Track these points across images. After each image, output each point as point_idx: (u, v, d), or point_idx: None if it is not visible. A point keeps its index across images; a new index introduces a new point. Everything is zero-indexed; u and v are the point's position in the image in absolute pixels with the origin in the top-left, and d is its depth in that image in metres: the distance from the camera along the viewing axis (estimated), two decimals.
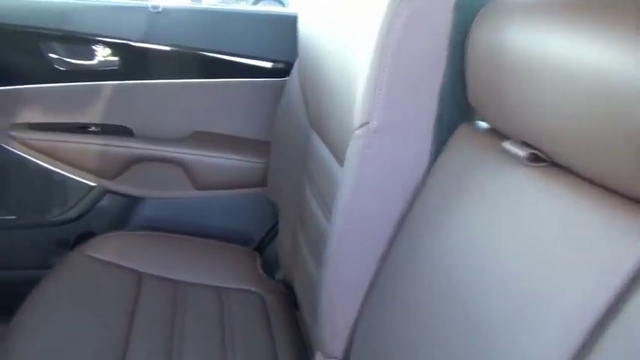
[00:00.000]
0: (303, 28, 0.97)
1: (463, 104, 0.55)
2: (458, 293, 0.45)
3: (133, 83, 1.14)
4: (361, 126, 0.55)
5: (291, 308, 1.03)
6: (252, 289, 1.06)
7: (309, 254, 0.84)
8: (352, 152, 0.57)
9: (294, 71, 1.05)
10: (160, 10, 1.09)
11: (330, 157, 0.77)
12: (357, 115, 0.57)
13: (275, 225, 1.27)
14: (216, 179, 1.22)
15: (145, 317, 0.89)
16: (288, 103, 1.06)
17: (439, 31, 0.51)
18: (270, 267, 1.18)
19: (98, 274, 0.97)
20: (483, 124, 0.54)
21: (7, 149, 1.11)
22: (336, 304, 0.62)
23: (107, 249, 1.04)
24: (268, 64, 1.20)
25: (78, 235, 1.25)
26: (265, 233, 1.29)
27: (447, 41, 0.52)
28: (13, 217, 1.16)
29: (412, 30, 0.51)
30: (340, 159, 0.69)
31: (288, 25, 1.15)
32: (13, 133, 1.10)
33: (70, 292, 0.91)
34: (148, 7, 1.09)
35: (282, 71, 1.18)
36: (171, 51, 1.13)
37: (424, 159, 0.56)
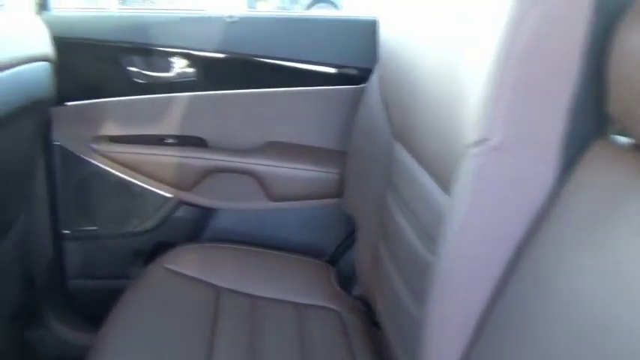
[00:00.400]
0: (386, 33, 0.92)
1: (597, 117, 0.48)
2: (597, 337, 0.38)
3: (207, 94, 1.13)
4: (477, 143, 0.49)
5: (370, 328, 0.98)
6: (330, 305, 1.02)
7: (398, 276, 0.79)
8: (465, 173, 0.51)
9: (374, 78, 1.00)
10: (236, 19, 1.07)
11: (422, 174, 0.71)
12: (470, 131, 0.51)
13: (348, 237, 1.23)
14: (289, 190, 1.19)
15: (226, 333, 0.87)
16: (367, 112, 1.01)
17: (574, 35, 0.45)
18: (344, 281, 1.14)
19: (178, 288, 0.97)
20: (624, 140, 0.47)
21: (88, 162, 1.13)
22: (442, 341, 0.56)
23: (185, 262, 1.04)
24: (344, 71, 1.16)
25: (153, 245, 1.27)
26: (338, 246, 1.25)
27: (582, 46, 0.45)
28: (95, 227, 1.19)
29: (544, 35, 0.44)
30: (439, 177, 0.63)
31: (365, 30, 1.10)
32: (94, 146, 1.12)
33: (153, 305, 0.91)
34: (224, 17, 1.07)
35: (359, 78, 1.14)
36: (246, 60, 1.11)
37: (550, 179, 0.49)
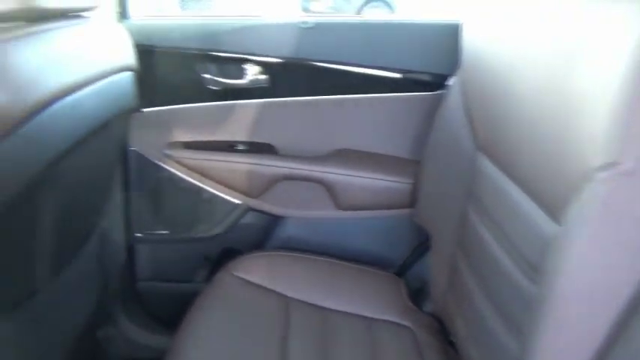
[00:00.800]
0: (470, 38, 0.87)
1: None
2: None
3: (278, 101, 1.12)
4: (603, 167, 0.44)
5: (446, 347, 0.93)
6: (402, 321, 0.98)
7: (484, 299, 0.74)
8: (586, 201, 0.45)
9: (455, 85, 0.95)
10: (310, 25, 1.05)
11: (521, 196, 0.65)
12: (593, 153, 0.45)
13: (417, 249, 1.18)
14: (359, 199, 1.16)
15: (298, 346, 0.85)
16: (446, 120, 0.96)
17: None
18: (413, 295, 1.09)
19: (248, 297, 0.96)
20: None
21: (162, 167, 1.14)
22: None
23: (253, 270, 1.03)
24: (418, 77, 1.11)
25: (220, 251, 1.27)
26: (406, 257, 1.20)
27: None
28: (166, 232, 1.20)
29: None
30: (545, 203, 0.57)
31: (443, 34, 1.05)
32: (168, 152, 1.14)
33: (225, 314, 0.91)
34: (298, 23, 1.06)
35: (433, 84, 1.09)
36: (320, 67, 1.09)
37: None
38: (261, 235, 1.25)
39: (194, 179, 1.16)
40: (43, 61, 0.60)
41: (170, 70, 1.12)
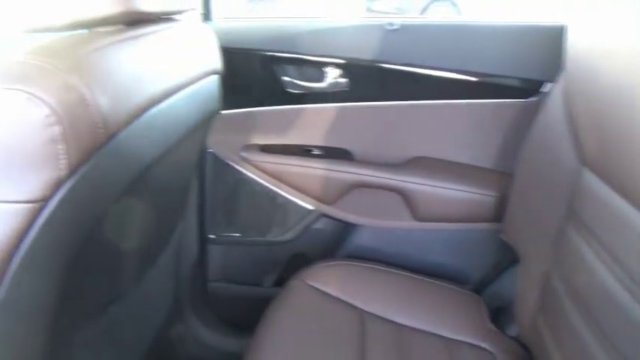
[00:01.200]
0: (576, 41, 0.79)
1: None
2: None
3: (357, 105, 1.09)
4: None
5: None
6: (483, 345, 0.91)
7: (592, 335, 0.67)
8: None
9: (555, 93, 0.87)
10: (396, 27, 1.01)
11: (635, 216, 0.58)
12: None
13: (499, 266, 1.11)
14: (437, 211, 1.10)
15: None
16: (544, 131, 0.89)
17: None
18: (492, 315, 1.02)
19: (322, 308, 0.93)
20: None
21: (237, 169, 1.14)
22: None
23: (327, 280, 1.00)
24: (508, 82, 1.04)
25: (291, 256, 1.26)
26: (486, 274, 1.13)
27: None
28: (239, 234, 1.20)
29: None
30: None
31: (540, 37, 0.98)
32: (244, 155, 1.13)
33: (299, 324, 0.89)
34: (383, 25, 1.02)
35: (526, 91, 1.02)
36: (403, 71, 1.04)
37: None
38: (333, 242, 1.22)
39: (268, 183, 1.14)
40: (143, 66, 0.60)
41: (249, 72, 1.12)
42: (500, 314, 1.04)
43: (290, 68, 1.08)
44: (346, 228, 1.19)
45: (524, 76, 1.03)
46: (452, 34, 1.04)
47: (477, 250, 1.13)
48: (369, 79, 1.06)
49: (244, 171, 1.14)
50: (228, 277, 1.27)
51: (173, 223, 1.00)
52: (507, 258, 1.06)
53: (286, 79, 1.08)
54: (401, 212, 1.13)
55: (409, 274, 1.06)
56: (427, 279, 1.06)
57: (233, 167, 1.14)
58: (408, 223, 1.13)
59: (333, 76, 1.06)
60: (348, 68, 1.05)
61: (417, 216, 1.11)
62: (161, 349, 1.17)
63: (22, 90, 0.46)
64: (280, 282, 1.27)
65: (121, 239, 0.68)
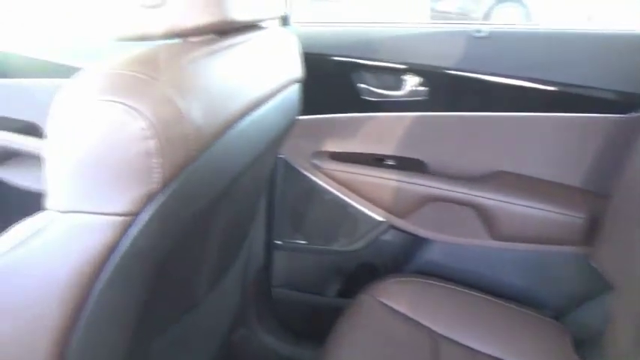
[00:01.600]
0: None
1: None
2: None
3: (435, 115, 1.04)
4: None
5: None
6: None
7: None
8: None
9: None
10: (484, 34, 0.95)
11: None
12: None
13: (586, 293, 1.03)
14: (517, 230, 1.03)
15: None
16: None
17: None
18: (576, 346, 0.94)
19: (395, 327, 0.90)
20: None
21: (307, 176, 1.12)
22: None
23: (397, 296, 0.96)
24: (604, 96, 0.96)
25: (356, 266, 1.23)
26: (570, 301, 1.05)
27: None
28: (305, 242, 1.18)
29: None
30: None
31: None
32: (315, 162, 1.11)
33: (370, 342, 0.86)
34: (470, 32, 0.96)
35: (624, 105, 0.93)
36: (486, 80, 0.98)
37: None
38: (401, 255, 1.17)
39: (338, 191, 1.12)
40: (234, 77, 0.59)
41: (324, 78, 1.09)
42: (584, 346, 0.96)
43: (367, 75, 1.05)
44: (416, 242, 1.14)
45: (620, 88, 0.94)
46: (542, 42, 0.97)
47: (560, 274, 1.05)
48: (450, 88, 1.01)
49: (314, 178, 1.12)
50: (292, 284, 1.25)
51: (246, 230, 1.00)
52: (595, 285, 0.98)
53: (362, 86, 1.05)
54: (476, 229, 1.07)
55: (484, 296, 1.01)
56: (503, 302, 1.00)
57: (303, 174, 1.12)
58: (483, 241, 1.07)
59: (412, 84, 1.02)
60: (429, 76, 1.01)
61: (494, 234, 1.05)
62: (224, 353, 1.17)
63: (119, 102, 0.45)
64: (344, 292, 1.24)
65: (200, 249, 0.67)
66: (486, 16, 6.01)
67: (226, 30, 0.60)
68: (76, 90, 0.47)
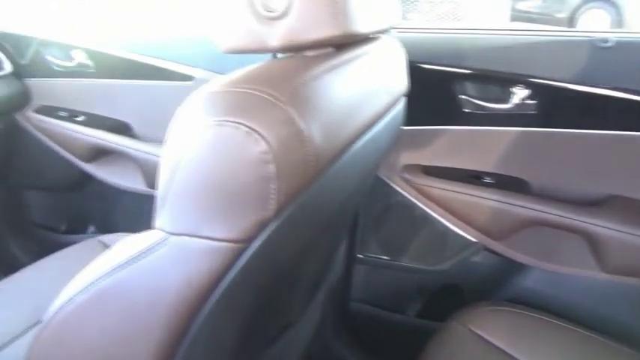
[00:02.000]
0: None
1: None
2: None
3: (544, 131, 0.94)
4: None
5: None
6: None
7: None
8: None
9: None
10: (611, 44, 0.85)
11: None
12: None
13: None
14: (633, 263, 0.92)
15: None
16: None
17: None
18: None
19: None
20: None
21: (396, 189, 1.06)
22: None
23: (494, 328, 0.89)
24: None
25: (440, 287, 1.16)
26: None
27: None
28: (388, 257, 1.13)
29: None
30: None
31: None
32: (405, 175, 1.05)
33: None
34: (595, 41, 0.86)
35: None
36: (610, 95, 0.88)
37: None
38: (493, 279, 1.09)
39: (428, 208, 1.05)
40: (353, 94, 0.54)
41: (421, 88, 1.02)
42: None
43: (470, 85, 0.97)
44: (512, 267, 1.05)
45: None
46: None
47: None
48: (564, 103, 0.91)
49: (403, 192, 1.06)
50: (371, 300, 1.20)
51: (340, 244, 0.96)
52: None
53: (464, 97, 0.97)
54: (584, 258, 0.96)
55: (588, 333, 0.90)
56: (609, 340, 0.89)
57: (392, 187, 1.06)
58: (591, 272, 0.96)
59: (520, 96, 0.93)
60: (540, 89, 0.91)
61: (605, 266, 0.94)
62: None
63: (240, 123, 0.42)
64: (426, 313, 1.17)
65: (298, 269, 0.63)
66: (571, 18, 5.64)
67: (344, 43, 0.56)
68: (195, 109, 0.44)
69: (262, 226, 0.44)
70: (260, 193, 0.43)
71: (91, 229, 1.47)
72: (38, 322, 0.82)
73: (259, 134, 0.42)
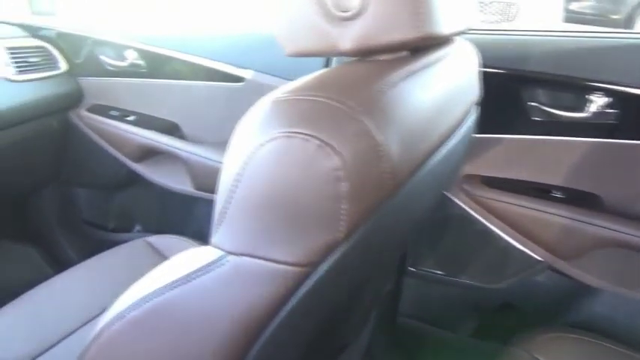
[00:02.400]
0: None
1: None
2: None
3: (623, 143, 0.86)
4: None
5: None
6: None
7: None
8: None
9: None
10: None
11: None
12: None
13: None
14: None
15: None
16: None
17: None
18: None
19: None
20: None
21: (454, 201, 1.00)
22: None
23: (558, 355, 0.81)
24: None
25: (497, 306, 1.08)
26: None
27: None
28: (441, 272, 1.06)
29: None
30: None
31: None
32: (465, 186, 0.98)
33: None
34: None
35: None
36: None
37: None
38: (555, 301, 1.01)
39: (488, 221, 0.98)
40: (432, 101, 0.49)
41: (485, 93, 0.96)
42: None
43: (540, 92, 0.89)
44: (579, 289, 0.97)
45: None
46: None
47: None
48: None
49: (461, 204, 0.99)
50: (421, 316, 1.14)
51: (396, 258, 0.91)
52: None
53: (533, 104, 0.90)
54: None
55: None
56: None
57: (449, 198, 1.00)
58: None
59: (598, 104, 0.85)
60: (622, 96, 0.83)
61: None
62: None
63: (313, 135, 0.37)
64: (480, 333, 1.10)
65: (364, 291, 0.59)
66: (629, 19, 5.34)
67: (420, 46, 0.50)
68: (259, 118, 0.40)
69: (330, 249, 0.40)
70: (330, 213, 0.38)
71: (137, 227, 1.47)
72: (88, 321, 0.82)
73: (332, 148, 0.37)
